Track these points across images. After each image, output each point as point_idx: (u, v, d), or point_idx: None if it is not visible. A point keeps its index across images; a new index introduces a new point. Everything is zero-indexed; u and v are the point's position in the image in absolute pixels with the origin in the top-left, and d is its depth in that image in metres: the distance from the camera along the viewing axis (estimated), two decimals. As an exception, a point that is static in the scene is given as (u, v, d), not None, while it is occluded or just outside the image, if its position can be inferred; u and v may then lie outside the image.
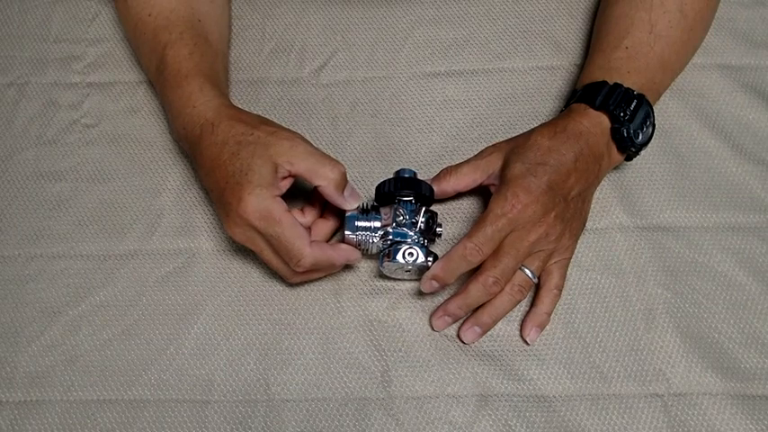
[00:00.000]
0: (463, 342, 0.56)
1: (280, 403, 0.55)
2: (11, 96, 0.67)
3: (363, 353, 0.56)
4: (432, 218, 0.56)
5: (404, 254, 0.53)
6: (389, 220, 0.55)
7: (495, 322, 0.56)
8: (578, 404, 0.54)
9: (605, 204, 0.60)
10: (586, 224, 0.59)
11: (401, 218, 0.54)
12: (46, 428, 0.54)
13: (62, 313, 0.58)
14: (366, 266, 0.59)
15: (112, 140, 0.64)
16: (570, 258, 0.56)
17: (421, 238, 0.54)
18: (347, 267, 0.58)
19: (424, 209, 0.55)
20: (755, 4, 0.68)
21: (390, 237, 0.54)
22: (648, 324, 0.56)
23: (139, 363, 0.56)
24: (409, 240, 0.54)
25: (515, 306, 0.56)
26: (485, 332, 0.56)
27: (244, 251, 0.60)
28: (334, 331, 0.57)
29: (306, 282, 0.57)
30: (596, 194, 0.60)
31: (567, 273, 0.57)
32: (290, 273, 0.54)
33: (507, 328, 0.56)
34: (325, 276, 0.57)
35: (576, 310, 0.57)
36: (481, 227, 0.51)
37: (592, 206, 0.60)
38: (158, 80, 0.59)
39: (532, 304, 0.56)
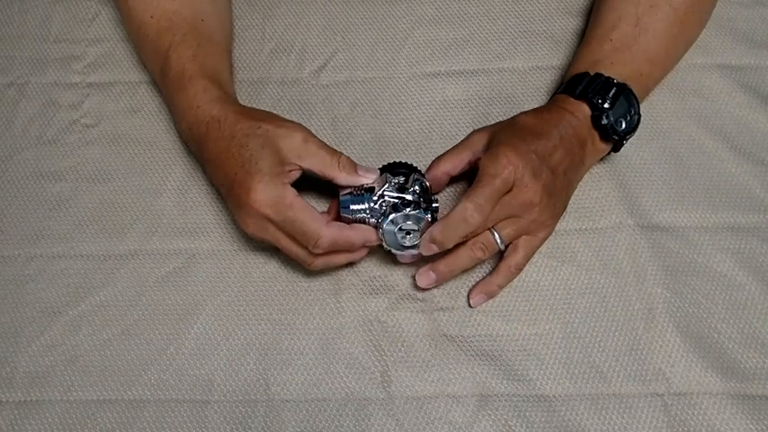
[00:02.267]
0: (417, 286, 0.56)
1: (280, 403, 0.55)
2: (11, 96, 0.67)
3: (363, 353, 0.56)
4: (424, 184, 0.55)
5: (399, 207, 0.53)
6: (382, 186, 0.54)
7: (450, 274, 0.56)
8: (578, 404, 0.54)
9: (605, 204, 0.60)
10: (587, 224, 0.59)
11: (395, 183, 0.54)
12: (46, 428, 0.54)
13: (62, 313, 0.58)
14: (366, 266, 0.59)
15: (112, 140, 0.64)
16: (543, 240, 0.56)
17: (418, 200, 0.54)
18: (348, 266, 0.58)
19: (415, 176, 0.55)
20: (755, 4, 0.68)
21: (386, 200, 0.54)
22: (648, 324, 0.56)
23: (139, 363, 0.56)
24: (406, 199, 0.54)
25: (474, 264, 0.56)
26: (439, 281, 0.56)
27: (244, 251, 0.60)
28: (334, 331, 0.57)
29: (328, 268, 0.57)
30: (596, 194, 0.60)
31: (567, 273, 0.58)
32: (310, 258, 0.54)
33: (507, 327, 0.56)
34: (336, 271, 0.57)
35: (576, 309, 0.57)
36: (478, 188, 0.51)
37: (592, 205, 0.60)
38: (163, 82, 0.60)
39: (490, 272, 0.57)
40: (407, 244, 0.54)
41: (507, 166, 0.51)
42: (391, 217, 0.53)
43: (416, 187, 0.54)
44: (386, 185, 0.54)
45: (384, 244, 0.55)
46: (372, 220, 0.54)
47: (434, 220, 0.54)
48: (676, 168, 0.62)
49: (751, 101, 0.64)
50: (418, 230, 0.54)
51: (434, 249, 0.53)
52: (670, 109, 0.64)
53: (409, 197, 0.54)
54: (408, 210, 0.53)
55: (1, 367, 0.56)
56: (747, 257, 0.58)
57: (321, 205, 0.60)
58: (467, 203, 0.51)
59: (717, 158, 0.62)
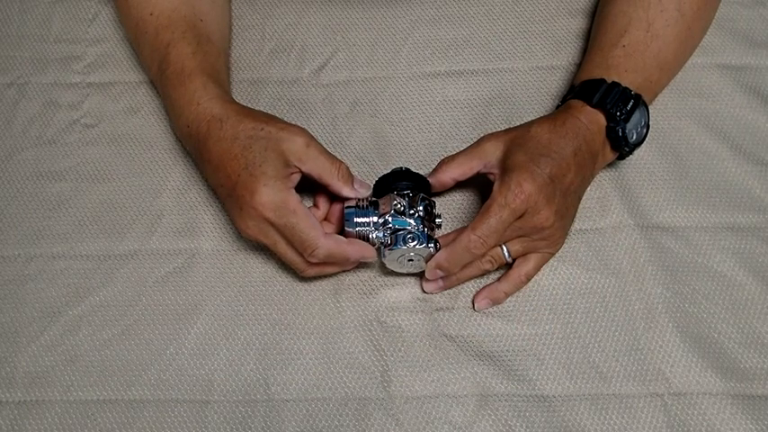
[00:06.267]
0: (424, 291, 0.57)
1: (280, 403, 0.55)
2: (11, 96, 0.67)
3: (363, 353, 0.56)
4: (430, 204, 0.56)
5: (405, 239, 0.53)
6: (388, 210, 0.54)
7: (457, 281, 0.57)
8: (578, 404, 0.54)
9: (605, 204, 0.60)
10: (587, 224, 0.59)
11: (399, 206, 0.54)
12: (46, 428, 0.54)
13: (62, 313, 0.58)
14: (366, 267, 0.59)
15: (112, 140, 0.64)
16: (553, 254, 0.57)
17: (421, 225, 0.54)
18: (357, 266, 0.58)
19: (421, 195, 0.55)
20: (755, 4, 0.68)
21: (390, 225, 0.54)
22: (648, 324, 0.56)
23: (139, 363, 0.56)
24: (409, 227, 0.54)
25: (480, 274, 0.56)
26: (445, 288, 0.57)
27: (244, 251, 0.60)
28: (334, 331, 0.57)
29: (319, 276, 0.57)
30: (596, 194, 0.60)
31: (567, 273, 0.58)
32: (304, 265, 0.54)
33: (507, 327, 0.56)
34: (337, 273, 0.58)
35: (576, 309, 0.57)
36: (485, 218, 0.52)
37: (592, 205, 0.60)
38: (160, 79, 0.60)
39: (498, 279, 0.57)
40: (410, 270, 0.56)
41: (519, 196, 0.51)
42: (395, 248, 0.54)
43: (421, 208, 0.54)
44: (391, 210, 0.54)
45: (386, 264, 0.56)
46: (375, 235, 0.54)
47: (437, 248, 0.54)
48: (676, 168, 0.62)
49: (751, 101, 0.64)
50: (422, 259, 0.55)
51: (439, 275, 0.55)
52: (670, 109, 0.64)
53: (413, 222, 0.54)
54: (413, 243, 0.53)
55: (1, 367, 0.56)
56: (747, 257, 0.58)
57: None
58: (472, 235, 0.52)
59: (717, 158, 0.62)
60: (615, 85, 0.56)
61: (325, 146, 0.55)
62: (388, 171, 0.57)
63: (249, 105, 0.57)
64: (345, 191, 0.55)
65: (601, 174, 0.61)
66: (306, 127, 0.55)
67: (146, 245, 0.60)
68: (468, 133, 0.64)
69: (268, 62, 0.67)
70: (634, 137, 0.56)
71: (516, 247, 0.54)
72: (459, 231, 0.56)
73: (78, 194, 0.62)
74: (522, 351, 0.56)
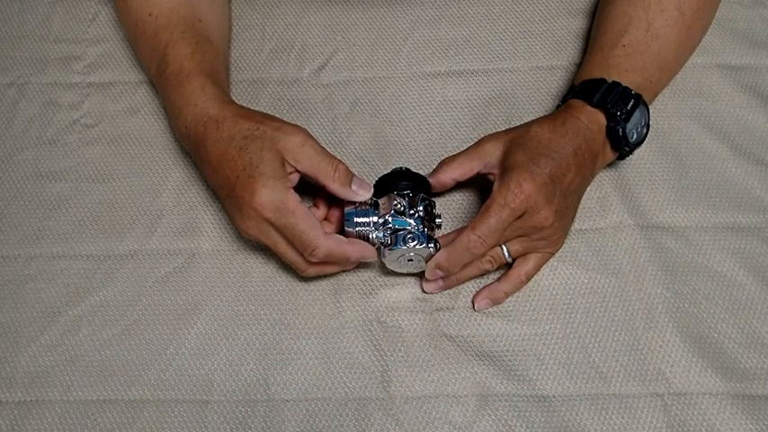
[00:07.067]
0: (424, 291, 0.57)
1: (280, 403, 0.55)
2: (11, 96, 0.67)
3: (363, 353, 0.56)
4: (430, 204, 0.56)
5: (405, 239, 0.53)
6: (388, 210, 0.54)
7: (457, 281, 0.57)
8: (578, 404, 0.54)
9: (605, 204, 0.60)
10: (587, 224, 0.59)
11: (399, 206, 0.54)
12: (46, 428, 0.54)
13: (62, 313, 0.58)
14: (366, 266, 0.59)
15: (112, 140, 0.64)
16: (553, 254, 0.57)
17: (421, 225, 0.54)
18: (357, 266, 0.58)
19: (421, 195, 0.55)
20: (755, 4, 0.68)
21: (390, 225, 0.54)
22: (648, 324, 0.56)
23: (139, 363, 0.56)
24: (409, 227, 0.54)
25: (480, 274, 0.56)
26: (445, 288, 0.57)
27: (244, 251, 0.60)
28: (333, 331, 0.57)
29: (320, 276, 0.57)
30: (596, 194, 0.60)
31: (567, 273, 0.58)
32: (305, 265, 0.54)
33: (507, 327, 0.56)
34: (337, 273, 0.58)
35: (576, 309, 0.57)
36: (485, 218, 0.52)
37: (592, 205, 0.60)
38: (159, 79, 0.60)
39: (497, 279, 0.57)
40: (410, 270, 0.56)
41: (519, 196, 0.51)
42: (395, 248, 0.53)
43: (421, 208, 0.54)
44: (391, 210, 0.54)
45: (386, 264, 0.56)
46: (375, 235, 0.54)
47: (437, 248, 0.54)
48: (676, 168, 0.62)
49: (751, 101, 0.64)
50: (422, 259, 0.54)
51: (439, 275, 0.55)
52: (670, 109, 0.64)
53: (413, 222, 0.54)
54: (413, 243, 0.53)
55: (1, 367, 0.56)
56: (747, 257, 0.58)
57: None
58: (471, 234, 0.52)
59: (717, 158, 0.62)
60: (615, 84, 0.56)
61: (325, 146, 0.55)
62: (388, 171, 0.57)
63: (249, 105, 0.57)
64: (342, 193, 0.54)
65: (601, 174, 0.61)
66: (306, 127, 0.55)
67: (146, 245, 0.60)
68: (468, 133, 0.64)
69: (268, 62, 0.67)
70: (634, 137, 0.56)
71: (516, 246, 0.54)
72: (459, 231, 0.56)
73: (78, 194, 0.62)
74: (522, 351, 0.56)
